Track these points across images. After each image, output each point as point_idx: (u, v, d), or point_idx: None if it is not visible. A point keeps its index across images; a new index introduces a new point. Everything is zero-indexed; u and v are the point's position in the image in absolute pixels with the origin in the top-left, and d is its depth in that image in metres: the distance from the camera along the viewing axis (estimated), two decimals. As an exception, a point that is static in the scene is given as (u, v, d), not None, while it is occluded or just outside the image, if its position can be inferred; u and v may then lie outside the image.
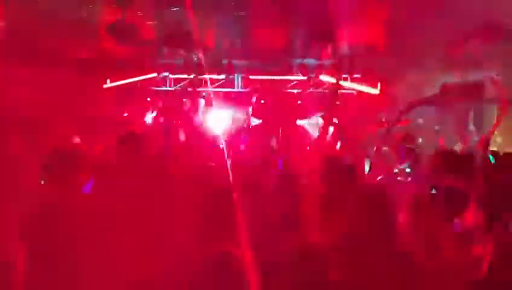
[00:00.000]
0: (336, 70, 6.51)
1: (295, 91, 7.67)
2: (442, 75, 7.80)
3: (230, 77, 7.44)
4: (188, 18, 5.00)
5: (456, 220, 2.21)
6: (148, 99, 8.07)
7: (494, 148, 4.99)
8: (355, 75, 6.85)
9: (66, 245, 2.27)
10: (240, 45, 6.11)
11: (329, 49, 6.17)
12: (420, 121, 8.28)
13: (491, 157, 3.76)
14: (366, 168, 4.65)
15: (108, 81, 7.57)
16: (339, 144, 5.71)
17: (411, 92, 7.87)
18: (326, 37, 5.56)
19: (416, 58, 6.56)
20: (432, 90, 8.12)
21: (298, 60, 6.83)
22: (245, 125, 7.47)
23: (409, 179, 4.05)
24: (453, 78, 7.64)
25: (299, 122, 7.69)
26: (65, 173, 2.53)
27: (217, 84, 7.71)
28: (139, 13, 4.63)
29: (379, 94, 6.85)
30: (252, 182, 2.87)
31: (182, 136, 5.96)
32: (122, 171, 2.90)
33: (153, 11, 4.86)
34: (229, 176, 2.94)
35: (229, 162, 3.80)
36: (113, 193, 2.67)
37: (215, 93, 7.55)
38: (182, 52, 6.25)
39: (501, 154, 4.19)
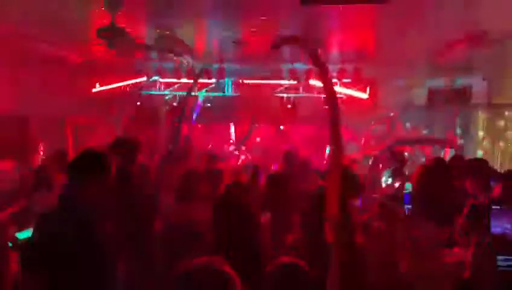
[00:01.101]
0: None
1: (285, 95, 7.73)
2: (429, 79, 7.95)
3: (221, 81, 7.46)
4: (178, 22, 5.03)
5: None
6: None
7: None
8: (345, 80, 6.92)
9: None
10: (230, 49, 6.14)
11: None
12: (408, 125, 8.40)
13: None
14: None
15: (97, 84, 7.52)
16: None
17: (399, 97, 8.00)
18: (316, 42, 5.62)
19: (404, 63, 6.66)
20: (419, 94, 8.27)
21: (288, 65, 6.88)
22: None
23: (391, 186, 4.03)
24: (440, 82, 7.80)
25: None
26: None
27: (207, 88, 7.74)
28: (129, 17, 4.62)
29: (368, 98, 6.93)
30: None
31: None
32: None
33: (144, 14, 4.86)
34: None
35: None
36: None
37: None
38: (172, 56, 6.24)
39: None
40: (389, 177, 4.44)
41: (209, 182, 3.23)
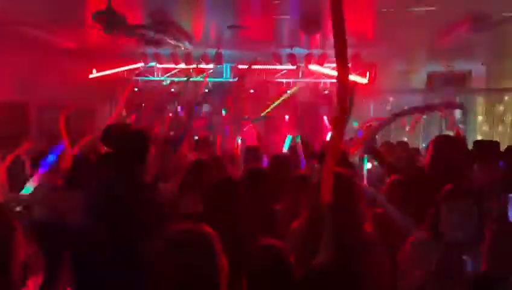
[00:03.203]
0: None
1: (284, 80, 7.68)
2: (428, 64, 7.91)
3: (219, 66, 7.39)
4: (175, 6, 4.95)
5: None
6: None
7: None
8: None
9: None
10: (228, 34, 6.05)
11: (318, 39, 6.16)
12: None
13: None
14: None
15: (94, 71, 7.44)
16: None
17: (397, 81, 7.97)
18: (315, 26, 5.55)
19: (404, 47, 6.60)
20: (418, 79, 8.24)
21: (287, 50, 6.79)
22: None
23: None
24: (439, 67, 7.76)
25: None
26: None
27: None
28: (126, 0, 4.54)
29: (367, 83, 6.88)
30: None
31: None
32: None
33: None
34: None
35: None
36: None
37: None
38: (169, 41, 6.14)
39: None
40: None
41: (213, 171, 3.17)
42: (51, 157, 3.27)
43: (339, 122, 1.96)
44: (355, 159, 3.77)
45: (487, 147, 3.45)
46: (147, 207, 2.40)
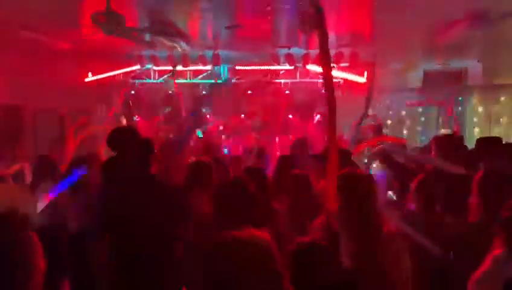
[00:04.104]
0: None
1: (282, 81, 7.65)
2: (424, 62, 7.93)
3: (216, 68, 7.34)
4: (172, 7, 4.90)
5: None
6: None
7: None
8: (342, 64, 6.85)
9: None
10: (225, 34, 6.01)
11: (316, 38, 6.13)
12: (403, 113, 8.40)
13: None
14: None
15: (90, 74, 7.35)
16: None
17: (394, 80, 7.99)
18: (313, 26, 5.53)
19: (400, 46, 6.61)
20: (414, 76, 8.26)
21: (284, 50, 6.77)
22: None
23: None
24: (435, 65, 7.79)
25: None
26: None
27: (202, 75, 7.63)
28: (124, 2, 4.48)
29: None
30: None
31: None
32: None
33: None
34: None
35: None
36: None
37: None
38: (166, 42, 6.09)
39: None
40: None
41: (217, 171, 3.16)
42: (69, 182, 2.93)
43: (331, 123, 2.03)
44: (363, 159, 3.78)
45: (491, 144, 3.44)
46: (151, 209, 2.36)
